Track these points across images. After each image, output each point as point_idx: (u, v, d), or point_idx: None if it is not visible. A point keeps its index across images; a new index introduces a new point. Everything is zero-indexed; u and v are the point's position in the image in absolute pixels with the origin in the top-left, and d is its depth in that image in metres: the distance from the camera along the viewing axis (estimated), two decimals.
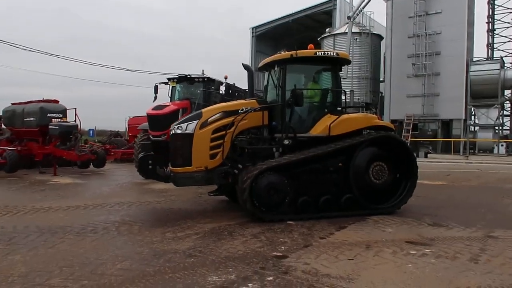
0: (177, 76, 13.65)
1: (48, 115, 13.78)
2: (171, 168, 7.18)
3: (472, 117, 26.36)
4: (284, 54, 7.42)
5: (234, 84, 14.87)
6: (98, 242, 5.37)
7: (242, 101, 7.80)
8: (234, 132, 6.97)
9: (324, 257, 4.73)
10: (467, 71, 24.56)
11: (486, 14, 29.52)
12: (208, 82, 13.24)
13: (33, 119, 13.93)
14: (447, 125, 25.64)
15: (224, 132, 6.87)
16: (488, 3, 29.15)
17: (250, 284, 3.86)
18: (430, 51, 24.82)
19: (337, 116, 7.25)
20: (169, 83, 13.82)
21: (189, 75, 13.47)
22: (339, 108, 7.74)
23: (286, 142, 7.00)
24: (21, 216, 7.01)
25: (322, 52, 7.52)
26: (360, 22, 28.31)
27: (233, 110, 7.08)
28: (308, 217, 6.67)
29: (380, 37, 28.73)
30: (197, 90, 13.75)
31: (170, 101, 13.63)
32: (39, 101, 14.60)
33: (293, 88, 6.97)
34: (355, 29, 26.84)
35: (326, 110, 7.58)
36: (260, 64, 8.14)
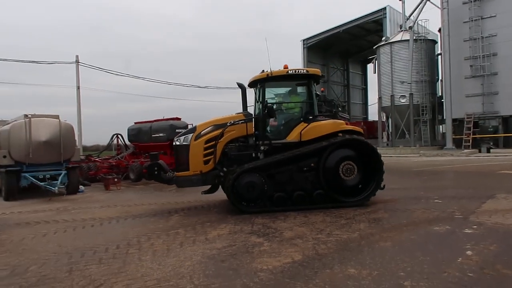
0: None
1: (176, 130, 16.46)
2: (175, 172, 8.62)
3: None
4: (262, 74, 8.48)
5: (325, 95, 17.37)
6: (344, 221, 7.60)
7: (232, 115, 8.82)
8: (224, 141, 8.31)
9: (494, 217, 6.81)
10: None
11: None
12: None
13: (163, 135, 16.71)
14: (507, 121, 26.91)
15: (214, 142, 8.21)
16: None
17: (466, 229, 6.03)
18: (487, 52, 26.36)
19: (307, 124, 8.35)
20: None
21: None
22: (311, 117, 8.48)
23: (262, 148, 8.23)
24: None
25: (294, 71, 8.46)
26: (413, 30, 30.09)
27: (222, 124, 8.35)
28: (283, 209, 7.84)
29: (433, 42, 30.42)
30: None
31: None
32: (165, 119, 17.45)
33: (265, 103, 8.08)
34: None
35: (301, 119, 8.55)
36: (248, 83, 9.10)
